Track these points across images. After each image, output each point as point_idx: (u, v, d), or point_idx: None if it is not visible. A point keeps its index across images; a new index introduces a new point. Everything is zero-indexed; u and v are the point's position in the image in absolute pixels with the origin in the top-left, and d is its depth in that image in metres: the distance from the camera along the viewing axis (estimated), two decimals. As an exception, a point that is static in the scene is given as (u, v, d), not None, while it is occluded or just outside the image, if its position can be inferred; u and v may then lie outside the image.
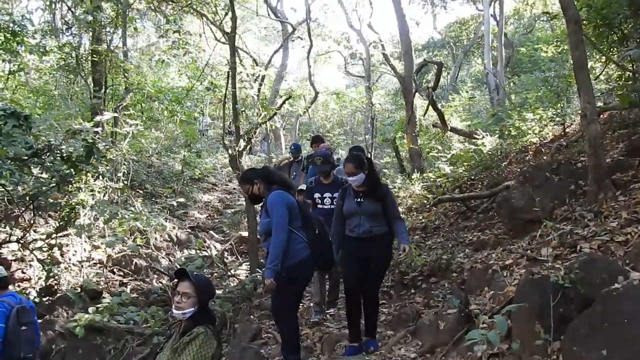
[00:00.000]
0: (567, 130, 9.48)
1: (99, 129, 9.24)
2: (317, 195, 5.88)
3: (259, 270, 8.02)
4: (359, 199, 4.77)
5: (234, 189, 15.91)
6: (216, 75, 14.53)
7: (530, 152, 9.15)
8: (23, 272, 7.35)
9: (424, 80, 20.66)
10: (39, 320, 6.50)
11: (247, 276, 8.00)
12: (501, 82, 17.78)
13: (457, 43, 27.02)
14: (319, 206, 5.84)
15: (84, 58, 11.62)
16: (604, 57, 9.07)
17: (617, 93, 8.16)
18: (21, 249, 7.37)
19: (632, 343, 2.69)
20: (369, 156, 13.01)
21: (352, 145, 8.41)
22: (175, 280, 3.52)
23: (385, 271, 4.96)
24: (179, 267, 7.15)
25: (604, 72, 10.18)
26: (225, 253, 10.11)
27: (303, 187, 6.75)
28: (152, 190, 12.31)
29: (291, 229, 4.15)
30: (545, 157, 8.13)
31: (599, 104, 8.28)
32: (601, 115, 8.11)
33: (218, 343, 3.35)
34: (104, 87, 11.37)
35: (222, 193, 15.66)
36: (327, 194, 5.86)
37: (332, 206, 5.52)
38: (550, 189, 5.69)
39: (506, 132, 11.32)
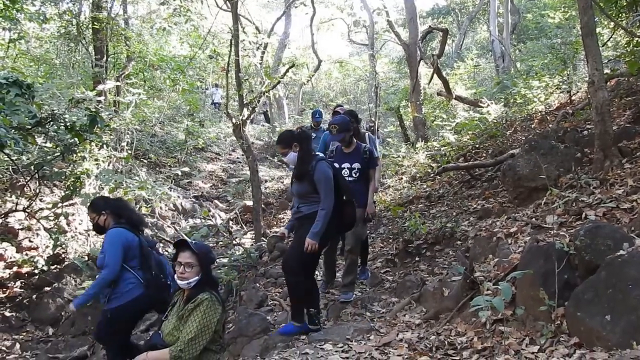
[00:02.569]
0: (573, 97, 9.38)
1: (101, 98, 9.19)
2: (336, 165, 5.25)
3: (264, 239, 8.10)
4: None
5: (238, 158, 15.93)
6: (218, 44, 14.36)
7: (536, 120, 9.08)
8: (30, 241, 7.44)
9: (429, 48, 20.41)
10: (47, 288, 6.64)
11: (252, 245, 8.08)
12: (507, 50, 17.54)
13: (463, 9, 26.58)
14: None
15: (84, 26, 11.49)
16: (612, 23, 8.91)
17: (625, 59, 8.03)
18: (28, 218, 7.43)
19: (635, 309, 2.72)
20: (372, 125, 12.99)
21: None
22: (175, 250, 3.54)
23: (303, 252, 4.24)
24: (184, 235, 7.24)
25: (612, 39, 10.02)
26: (230, 222, 10.18)
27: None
28: (155, 160, 12.33)
29: (126, 267, 4.07)
30: (550, 125, 8.08)
31: (607, 70, 8.15)
32: (608, 82, 8.01)
33: (222, 307, 3.40)
34: (105, 55, 11.26)
35: (225, 162, 15.68)
36: (345, 164, 5.31)
37: (351, 178, 5.24)
38: (556, 157, 5.65)
39: (511, 100, 11.22)
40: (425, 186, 9.33)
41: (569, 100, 9.33)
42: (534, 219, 4.78)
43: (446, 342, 3.57)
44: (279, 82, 9.73)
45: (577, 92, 9.64)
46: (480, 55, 22.69)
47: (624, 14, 8.44)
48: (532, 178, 5.60)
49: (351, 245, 5.29)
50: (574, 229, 3.91)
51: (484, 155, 8.95)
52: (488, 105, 10.77)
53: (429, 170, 9.85)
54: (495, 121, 10.06)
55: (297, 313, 4.48)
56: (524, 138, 7.96)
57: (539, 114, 9.35)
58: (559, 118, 8.06)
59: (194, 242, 3.53)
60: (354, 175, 5.28)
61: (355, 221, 4.76)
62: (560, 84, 9.76)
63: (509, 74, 14.77)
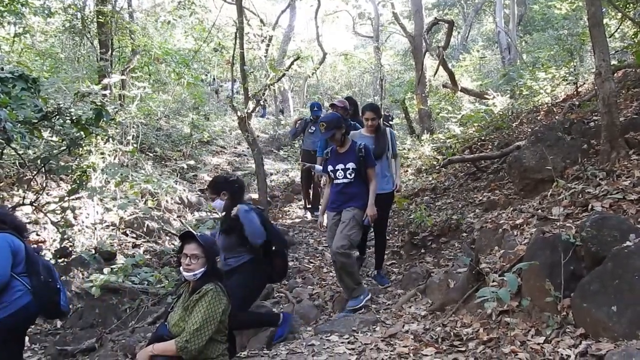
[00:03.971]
0: (580, 89, 9.33)
1: (107, 92, 9.22)
2: (330, 167, 4.98)
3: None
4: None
5: (243, 151, 15.94)
6: (223, 37, 14.36)
7: (542, 112, 9.04)
8: (38, 235, 7.48)
9: (434, 40, 20.33)
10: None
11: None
12: (513, 41, 17.44)
13: (468, 1, 26.42)
14: (334, 181, 4.97)
15: (89, 19, 11.51)
16: (619, 14, 8.84)
17: (633, 51, 7.97)
18: (35, 211, 7.47)
19: (642, 299, 2.72)
20: (389, 114, 12.88)
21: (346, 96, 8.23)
22: (180, 243, 3.56)
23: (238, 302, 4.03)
24: (189, 228, 7.26)
25: (619, 30, 9.94)
26: (236, 215, 10.18)
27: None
28: (161, 154, 12.35)
29: (13, 275, 3.83)
30: (557, 117, 8.03)
31: (614, 62, 8.10)
32: (615, 74, 7.95)
33: (227, 298, 3.42)
34: (110, 49, 11.28)
35: (231, 156, 15.70)
36: (339, 166, 4.91)
37: (346, 180, 4.88)
38: (562, 149, 5.63)
39: (517, 92, 11.17)
40: (430, 178, 9.32)
41: (575, 92, 9.28)
42: (539, 211, 4.76)
43: (452, 334, 3.58)
44: (284, 75, 9.72)
45: (584, 83, 9.58)
46: (486, 47, 22.58)
47: (631, 5, 8.38)
48: (538, 170, 5.58)
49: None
50: (580, 220, 3.89)
51: (490, 147, 8.93)
52: (494, 97, 10.73)
53: (435, 163, 9.83)
54: (501, 113, 10.03)
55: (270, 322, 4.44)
56: (530, 130, 7.92)
57: (545, 105, 9.30)
58: (566, 110, 8.02)
59: (199, 234, 3.55)
60: (348, 176, 4.86)
61: (286, 272, 4.68)
62: (567, 75, 9.70)
63: (515, 66, 14.69)
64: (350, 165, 4.83)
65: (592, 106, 7.40)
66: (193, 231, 3.57)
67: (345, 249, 4.68)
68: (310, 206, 8.96)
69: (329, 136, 4.93)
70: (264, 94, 8.72)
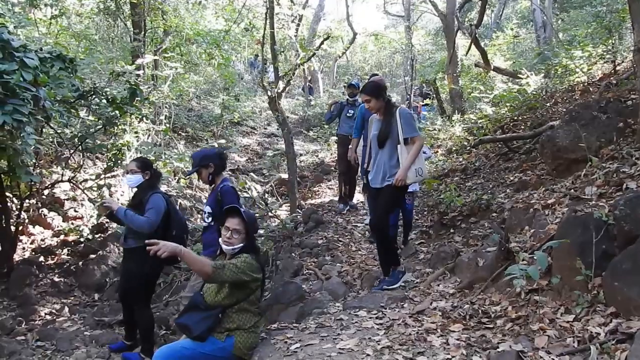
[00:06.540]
0: (618, 67, 9.05)
1: (140, 72, 9.36)
2: None
3: (299, 210, 8.20)
4: None
5: (273, 132, 16.04)
6: (253, 17, 14.37)
7: (578, 91, 8.81)
8: (75, 211, 7.74)
9: (467, 19, 19.89)
10: (93, 256, 6.92)
11: (287, 216, 8.19)
12: (549, 19, 16.94)
13: (503, -22, 25.68)
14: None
15: (122, 1, 11.65)
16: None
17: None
18: (73, 188, 7.72)
19: (675, 278, 2.68)
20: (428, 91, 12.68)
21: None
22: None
23: (133, 285, 4.51)
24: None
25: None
26: (266, 194, 10.32)
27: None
28: (192, 134, 12.53)
29: None
30: (593, 96, 7.83)
31: (654, 38, 7.82)
32: (656, 51, 7.67)
33: (262, 272, 3.52)
34: (143, 30, 11.42)
35: (261, 136, 15.82)
36: (206, 208, 4.66)
37: (204, 223, 4.56)
38: (597, 128, 5.51)
39: (552, 71, 10.90)
40: (461, 159, 9.24)
41: (613, 70, 9.01)
42: (572, 190, 4.70)
43: (480, 311, 3.60)
44: (314, 54, 9.70)
45: (622, 61, 9.29)
46: (520, 26, 21.96)
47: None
48: (572, 149, 5.48)
49: None
50: (613, 199, 3.84)
51: (523, 127, 8.78)
52: (527, 76, 10.49)
53: (465, 143, 9.73)
54: (534, 93, 9.82)
55: (148, 347, 4.54)
56: (564, 110, 7.75)
57: (581, 84, 9.07)
58: (602, 88, 7.80)
59: (243, 210, 3.64)
60: (206, 220, 4.51)
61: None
62: (605, 53, 9.41)
63: (550, 45, 14.31)
64: (207, 208, 4.52)
65: (630, 85, 7.19)
66: (237, 206, 3.67)
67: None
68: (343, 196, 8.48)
69: (193, 172, 4.58)
70: (294, 73, 8.72)
